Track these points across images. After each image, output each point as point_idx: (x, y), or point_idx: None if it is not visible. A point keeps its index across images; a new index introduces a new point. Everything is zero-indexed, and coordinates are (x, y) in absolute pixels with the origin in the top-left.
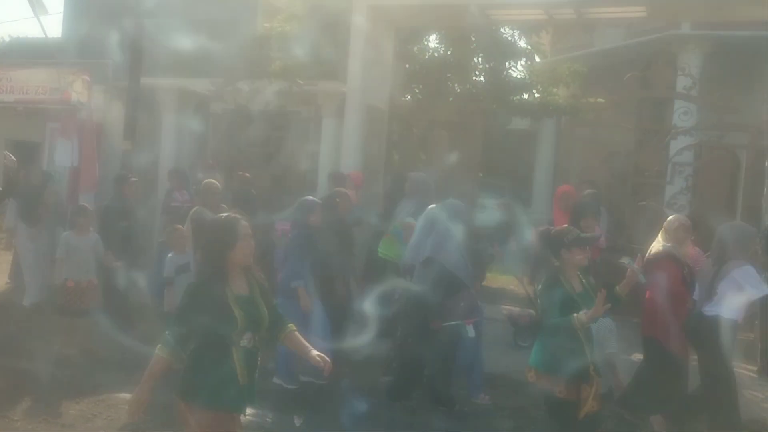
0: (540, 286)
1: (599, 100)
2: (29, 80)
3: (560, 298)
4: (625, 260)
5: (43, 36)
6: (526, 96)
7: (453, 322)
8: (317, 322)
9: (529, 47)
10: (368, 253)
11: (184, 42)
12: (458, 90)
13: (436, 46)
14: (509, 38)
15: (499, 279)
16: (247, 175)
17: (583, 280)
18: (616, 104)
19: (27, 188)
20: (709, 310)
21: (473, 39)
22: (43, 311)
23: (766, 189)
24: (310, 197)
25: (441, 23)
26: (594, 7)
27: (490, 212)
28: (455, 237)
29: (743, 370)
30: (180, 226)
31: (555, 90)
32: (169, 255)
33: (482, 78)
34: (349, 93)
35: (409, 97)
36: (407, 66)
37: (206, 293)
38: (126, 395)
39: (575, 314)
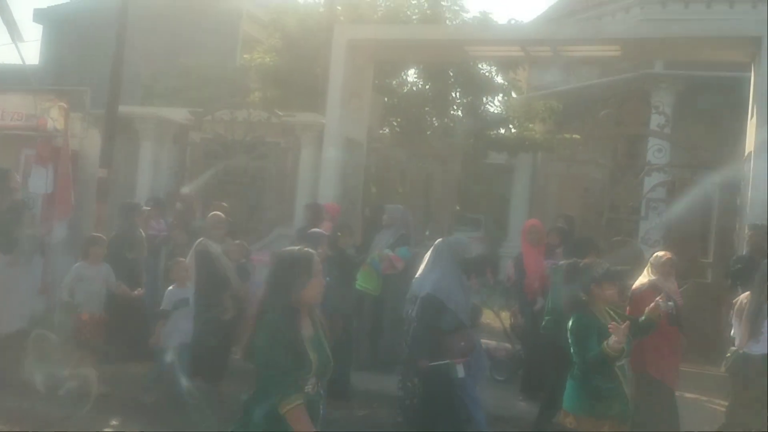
0: (570, 324)
1: (575, 136)
2: (4, 106)
3: (596, 332)
4: None
5: (21, 62)
6: (502, 131)
7: (440, 362)
8: None
9: (506, 83)
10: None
11: (165, 71)
12: (436, 124)
13: (415, 80)
14: (486, 74)
15: None
16: (225, 204)
17: (612, 313)
18: (591, 140)
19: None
20: (757, 349)
21: (451, 74)
22: (20, 341)
23: (737, 225)
24: (317, 230)
25: (419, 58)
26: (570, 45)
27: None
28: (457, 274)
29: (717, 406)
30: (182, 259)
31: (531, 125)
32: (169, 288)
33: (460, 112)
34: (328, 125)
35: (387, 130)
36: (386, 99)
37: (282, 333)
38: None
39: (604, 343)
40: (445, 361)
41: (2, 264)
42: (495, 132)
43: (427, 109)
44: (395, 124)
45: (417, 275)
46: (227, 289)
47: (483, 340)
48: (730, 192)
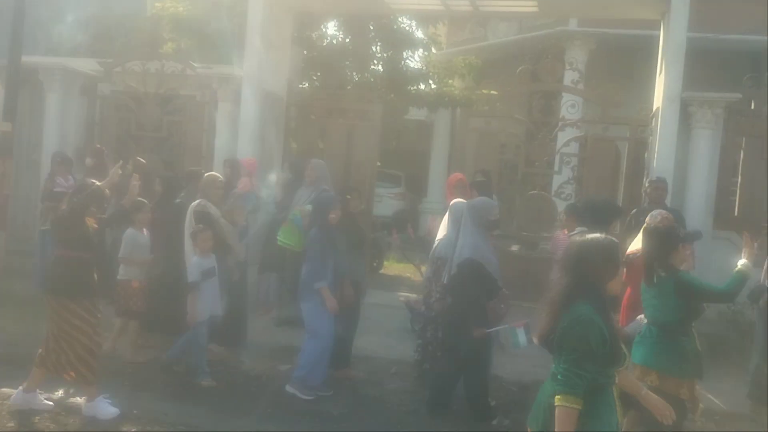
0: (680, 282)
1: (492, 92)
2: None
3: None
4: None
5: None
6: (422, 86)
7: (499, 327)
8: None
9: (426, 38)
10: (266, 241)
11: (70, 19)
12: (356, 78)
13: (335, 33)
14: (407, 28)
15: (395, 267)
16: (142, 160)
17: None
18: (509, 96)
19: None
20: None
21: (371, 28)
22: None
23: (645, 179)
24: (328, 192)
25: (339, 10)
26: (489, 0)
27: (387, 201)
28: (484, 236)
29: None
30: (207, 228)
31: (450, 81)
32: (194, 258)
33: (380, 67)
34: (246, 78)
35: (307, 84)
36: (305, 53)
37: (597, 327)
38: (6, 390)
39: (740, 265)
40: (505, 326)
41: None
42: (415, 87)
43: (347, 63)
44: (315, 78)
45: (439, 238)
46: (229, 252)
47: (403, 294)
48: (638, 146)
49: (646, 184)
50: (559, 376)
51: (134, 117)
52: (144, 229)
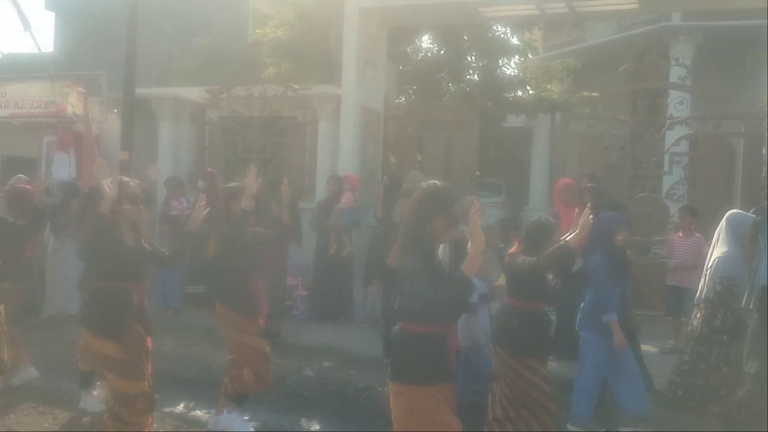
0: None
1: (593, 94)
2: (24, 94)
3: None
4: None
5: (36, 51)
6: (520, 93)
7: None
8: (628, 357)
9: (522, 44)
10: (368, 256)
11: (178, 51)
12: (452, 89)
13: (429, 46)
14: (501, 35)
15: (502, 277)
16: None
17: None
18: (611, 97)
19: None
20: None
21: (465, 38)
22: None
23: (765, 174)
24: (612, 213)
25: (433, 22)
26: (585, 1)
27: (488, 210)
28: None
29: None
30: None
31: (549, 86)
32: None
33: (476, 76)
34: (344, 96)
35: (403, 98)
36: (401, 67)
37: None
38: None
39: None
40: None
41: (53, 248)
42: (512, 94)
43: (442, 74)
44: (411, 92)
45: (718, 256)
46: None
47: None
48: (755, 141)
49: (765, 181)
50: None
51: (241, 140)
52: None
